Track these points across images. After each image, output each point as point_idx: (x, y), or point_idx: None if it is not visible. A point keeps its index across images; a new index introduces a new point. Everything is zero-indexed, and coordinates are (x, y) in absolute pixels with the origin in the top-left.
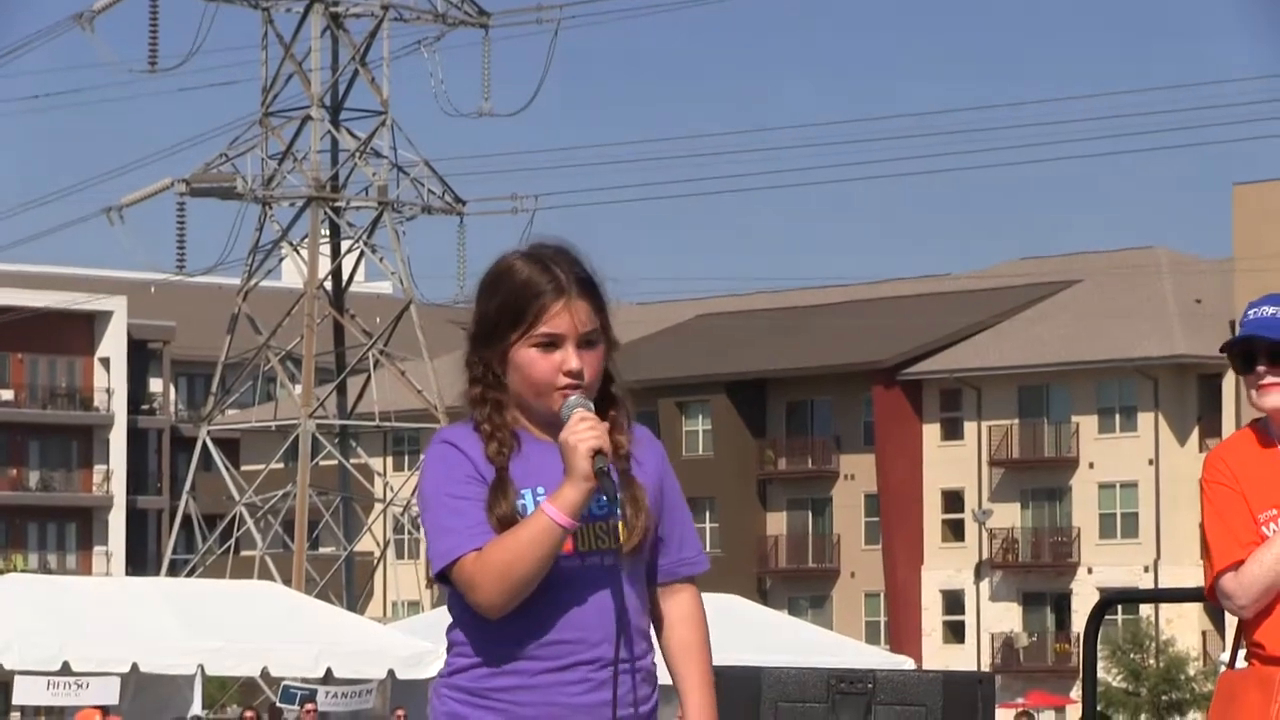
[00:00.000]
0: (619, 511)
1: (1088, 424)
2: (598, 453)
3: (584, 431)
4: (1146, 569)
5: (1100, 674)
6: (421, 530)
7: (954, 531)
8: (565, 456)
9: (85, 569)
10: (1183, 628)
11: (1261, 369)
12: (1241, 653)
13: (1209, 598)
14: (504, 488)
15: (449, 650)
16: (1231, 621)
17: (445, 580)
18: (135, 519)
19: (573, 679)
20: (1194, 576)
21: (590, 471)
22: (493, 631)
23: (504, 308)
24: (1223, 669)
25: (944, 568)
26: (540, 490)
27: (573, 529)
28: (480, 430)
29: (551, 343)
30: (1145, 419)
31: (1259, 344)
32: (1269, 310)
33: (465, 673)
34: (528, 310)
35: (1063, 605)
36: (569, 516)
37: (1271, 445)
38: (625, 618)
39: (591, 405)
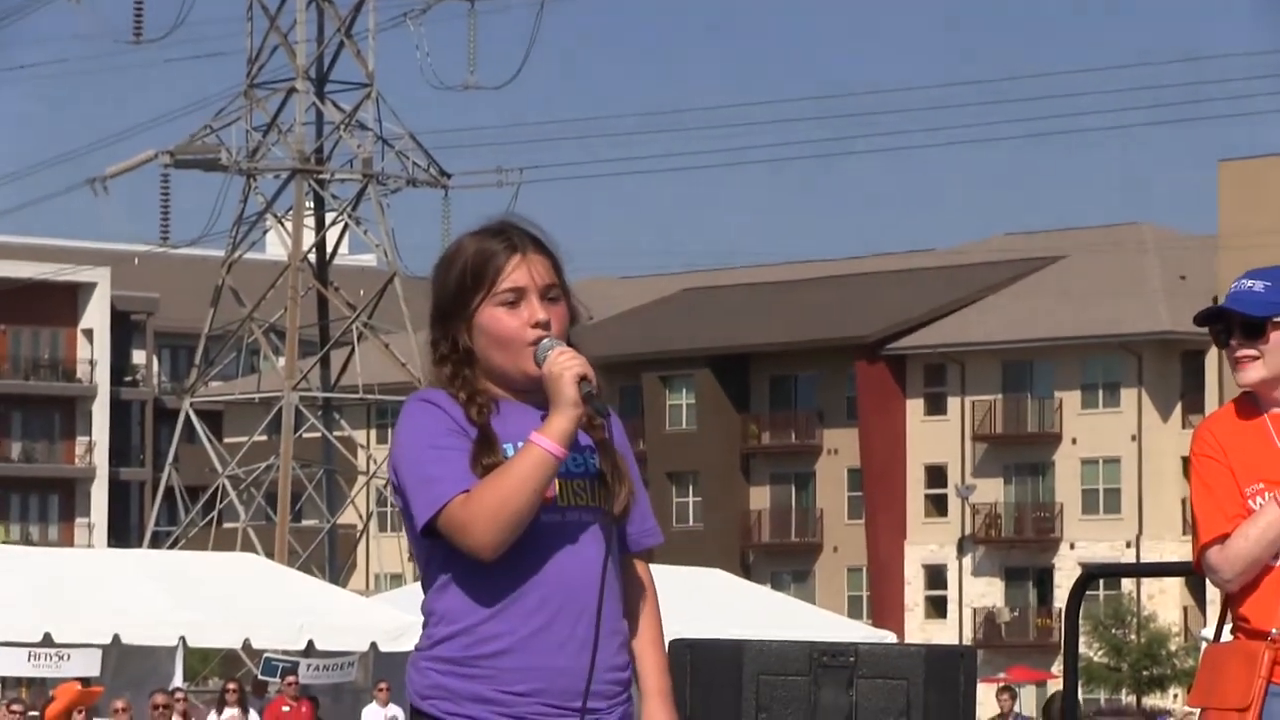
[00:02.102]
0: (597, 468)
1: (1071, 399)
2: (582, 379)
3: (567, 360)
4: (1129, 544)
5: (1081, 649)
6: (400, 494)
7: (937, 506)
8: (550, 386)
9: (67, 541)
10: (1164, 603)
11: (1234, 343)
12: (1227, 626)
13: (1196, 571)
14: (490, 441)
15: (427, 620)
16: (1213, 597)
17: (431, 533)
18: (117, 491)
19: (556, 640)
20: (1175, 552)
21: (578, 397)
22: (475, 593)
23: (462, 276)
24: (1204, 644)
25: (926, 542)
26: (521, 445)
27: (564, 458)
28: (457, 398)
29: (515, 299)
30: (1129, 395)
31: (1233, 318)
32: (1247, 284)
33: (448, 642)
34: (486, 271)
35: (1045, 580)
36: (559, 445)
37: (1260, 418)
38: (607, 575)
39: (563, 344)
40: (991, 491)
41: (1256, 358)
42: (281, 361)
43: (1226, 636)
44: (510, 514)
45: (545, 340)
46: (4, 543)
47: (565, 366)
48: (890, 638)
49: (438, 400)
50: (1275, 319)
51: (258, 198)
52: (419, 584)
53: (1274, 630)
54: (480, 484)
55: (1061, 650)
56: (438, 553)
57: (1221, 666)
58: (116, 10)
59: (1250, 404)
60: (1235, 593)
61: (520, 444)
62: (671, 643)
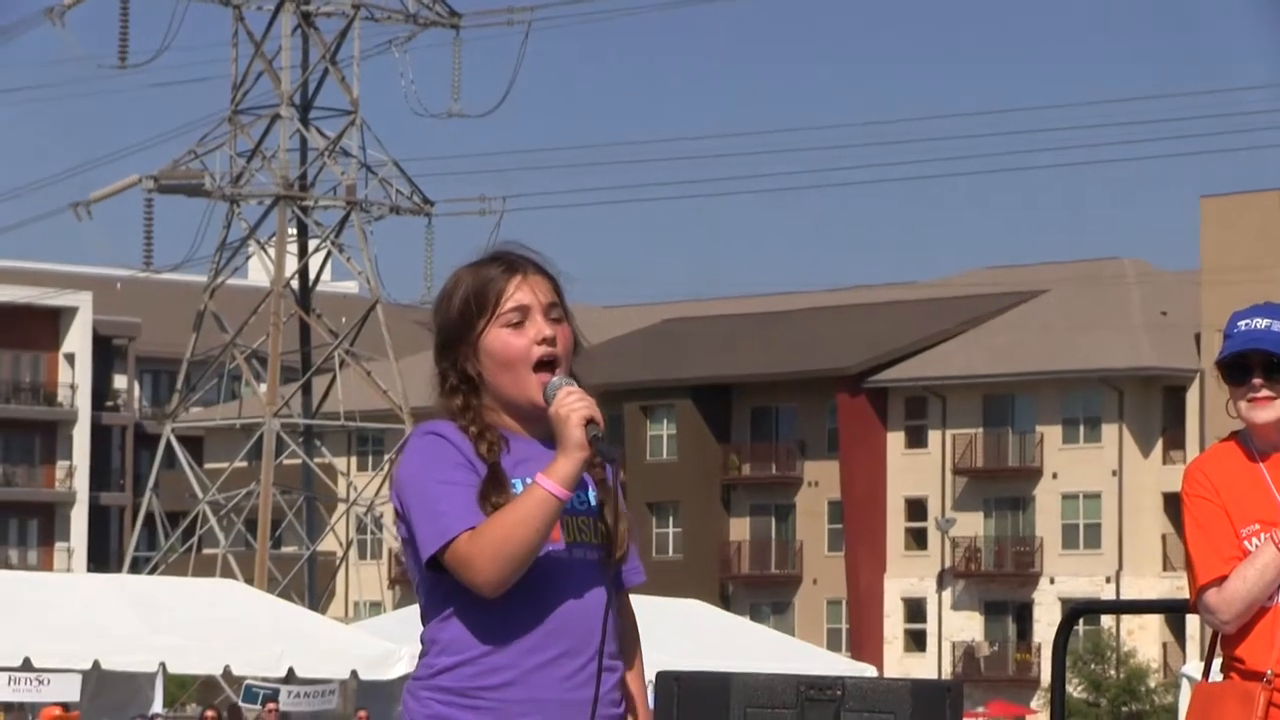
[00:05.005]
0: (595, 506)
1: (1052, 434)
2: (589, 421)
3: (574, 402)
4: (1109, 580)
5: None
6: (386, 529)
7: (917, 540)
8: (557, 428)
9: (46, 565)
10: (1144, 639)
11: (1257, 381)
12: (1216, 664)
13: (1192, 611)
14: (500, 480)
15: (427, 650)
16: (1193, 633)
17: (436, 566)
18: (97, 515)
19: (560, 673)
20: (1155, 588)
21: (584, 440)
22: (481, 623)
23: (465, 302)
24: (1185, 681)
25: (906, 576)
26: (529, 481)
27: (567, 500)
28: (468, 432)
29: (520, 319)
30: (1109, 430)
31: (1254, 356)
32: (1262, 322)
33: (450, 672)
34: (489, 295)
35: (1024, 615)
36: (563, 487)
37: (1253, 459)
38: (609, 612)
39: (575, 383)
40: (971, 525)
41: (1275, 398)
42: (263, 388)
43: (1215, 675)
44: (512, 553)
45: (554, 379)
46: None
47: (572, 409)
48: (870, 671)
49: (446, 433)
50: None
51: (241, 223)
52: (399, 612)
53: (1269, 671)
54: (486, 522)
55: (1041, 685)
56: (444, 583)
57: (1215, 706)
58: (102, 35)
59: (1241, 445)
60: (1231, 633)
61: (528, 481)
62: (658, 674)
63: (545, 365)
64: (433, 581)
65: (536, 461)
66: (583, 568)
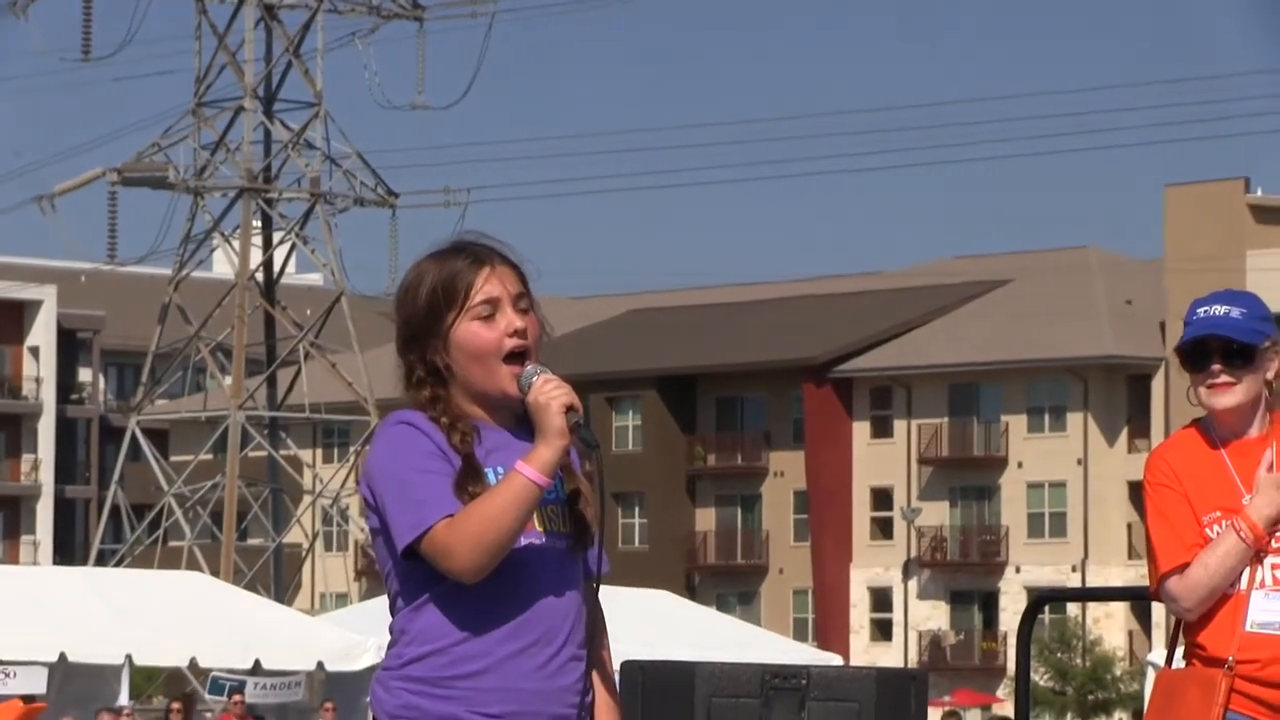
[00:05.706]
0: (562, 495)
1: (1017, 423)
2: (569, 409)
3: (553, 390)
4: (1074, 568)
5: None
6: (352, 521)
7: (882, 529)
8: (537, 417)
9: (12, 558)
10: (1110, 627)
11: (1216, 367)
12: (1179, 651)
13: (1154, 599)
14: (475, 470)
15: (397, 640)
16: (1159, 621)
17: (411, 555)
18: (63, 508)
19: (533, 663)
20: (1121, 576)
21: (564, 428)
22: (452, 613)
23: (433, 295)
24: (1150, 669)
25: (872, 565)
26: (501, 470)
27: (548, 488)
28: (439, 423)
29: (490, 312)
30: (1075, 419)
31: (1213, 343)
32: (1220, 309)
33: (420, 661)
34: (457, 288)
35: (990, 604)
36: (544, 475)
37: (1214, 446)
38: (580, 601)
39: (548, 371)
40: (937, 515)
41: (1234, 384)
42: (228, 380)
43: (1178, 663)
44: (493, 540)
45: (529, 368)
46: None
47: (552, 396)
48: (836, 660)
49: (417, 422)
50: (1261, 346)
51: (205, 216)
52: (365, 603)
53: (1231, 658)
54: (465, 510)
55: (1007, 674)
56: (418, 574)
57: (1178, 693)
58: (65, 28)
59: (1202, 432)
60: (1192, 620)
61: (500, 470)
62: (623, 664)
63: (516, 357)
64: (407, 571)
65: (507, 450)
66: (554, 557)
